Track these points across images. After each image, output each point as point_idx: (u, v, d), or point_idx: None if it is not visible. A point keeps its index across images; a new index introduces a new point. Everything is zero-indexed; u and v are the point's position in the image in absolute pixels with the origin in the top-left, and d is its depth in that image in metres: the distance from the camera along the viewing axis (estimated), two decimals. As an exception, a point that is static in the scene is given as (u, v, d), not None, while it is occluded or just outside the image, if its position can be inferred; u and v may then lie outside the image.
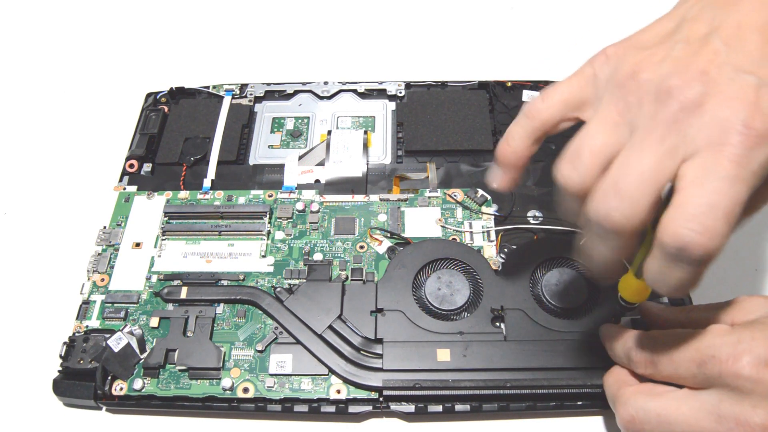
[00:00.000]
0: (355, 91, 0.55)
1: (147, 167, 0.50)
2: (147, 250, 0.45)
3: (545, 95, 0.31)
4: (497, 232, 0.45)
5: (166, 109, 0.54)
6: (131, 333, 0.40)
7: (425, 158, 0.50)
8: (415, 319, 0.40)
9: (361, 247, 0.44)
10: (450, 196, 0.47)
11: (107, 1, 0.67)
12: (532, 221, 0.46)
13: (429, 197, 0.47)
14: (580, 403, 0.38)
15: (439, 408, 0.38)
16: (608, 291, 0.40)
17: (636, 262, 0.31)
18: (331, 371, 0.39)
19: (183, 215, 0.46)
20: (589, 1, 0.64)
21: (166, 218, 0.46)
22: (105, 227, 0.46)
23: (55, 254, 0.47)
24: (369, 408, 0.38)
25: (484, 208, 0.46)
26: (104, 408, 0.40)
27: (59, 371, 0.40)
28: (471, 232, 0.45)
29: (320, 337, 0.40)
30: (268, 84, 0.55)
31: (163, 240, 0.45)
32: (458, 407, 0.38)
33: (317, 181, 0.49)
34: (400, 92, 0.55)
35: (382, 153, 0.51)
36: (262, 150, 0.52)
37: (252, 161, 0.51)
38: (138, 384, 0.39)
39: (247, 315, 0.41)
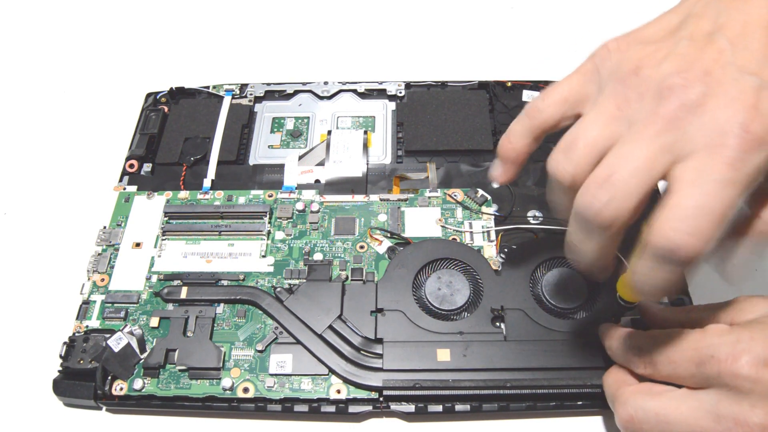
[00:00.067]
0: (355, 91, 0.55)
1: (147, 167, 0.50)
2: (147, 250, 0.45)
3: (545, 94, 0.31)
4: (497, 232, 0.45)
5: (166, 109, 0.54)
6: (131, 333, 0.40)
7: (425, 158, 0.50)
8: (415, 319, 0.40)
9: (361, 247, 0.44)
10: (450, 196, 0.47)
11: (107, 1, 0.67)
12: (532, 221, 0.46)
13: (429, 197, 0.47)
14: (580, 403, 0.38)
15: (439, 408, 0.38)
16: (608, 291, 0.40)
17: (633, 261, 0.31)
18: (331, 371, 0.39)
19: (183, 215, 0.46)
20: (589, 1, 0.64)
21: (166, 218, 0.46)
22: (105, 227, 0.46)
23: (55, 254, 0.47)
24: (369, 408, 0.38)
25: (484, 208, 0.46)
26: (104, 408, 0.40)
27: (59, 371, 0.40)
28: (471, 232, 0.45)
29: (320, 337, 0.40)
30: (268, 84, 0.55)
31: (163, 240, 0.45)
32: (458, 407, 0.38)
33: (317, 181, 0.49)
34: (400, 92, 0.55)
35: (382, 153, 0.51)
36: (262, 150, 0.52)
37: (252, 161, 0.51)
38: (138, 384, 0.39)
39: (247, 315, 0.41)
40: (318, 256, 0.44)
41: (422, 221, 0.45)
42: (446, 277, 0.42)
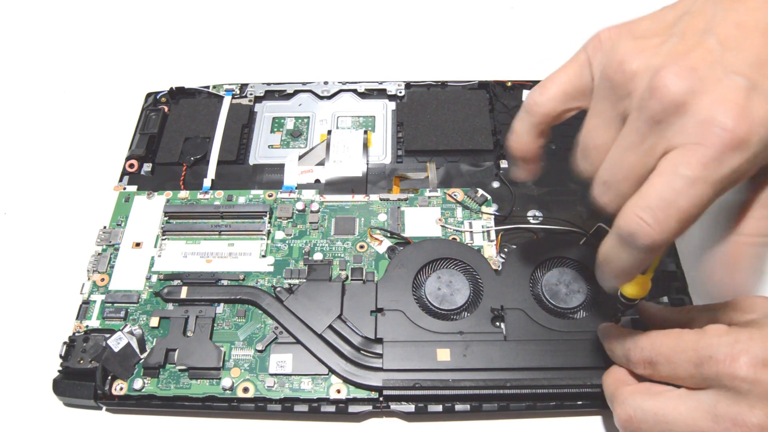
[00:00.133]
0: (355, 91, 0.55)
1: (147, 167, 0.50)
2: (147, 250, 0.45)
3: (543, 88, 0.31)
4: (497, 232, 0.45)
5: (166, 109, 0.54)
6: (131, 333, 0.40)
7: (425, 158, 0.50)
8: (415, 319, 0.40)
9: (361, 246, 0.44)
10: (450, 195, 0.47)
11: (107, 1, 0.67)
12: (532, 221, 0.46)
13: (429, 197, 0.47)
14: (579, 402, 0.38)
15: (439, 408, 0.38)
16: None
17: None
18: (331, 371, 0.39)
19: (183, 215, 0.46)
20: (589, 1, 0.64)
21: (166, 218, 0.46)
22: (105, 227, 0.46)
23: (55, 254, 0.47)
24: (369, 408, 0.38)
25: (484, 208, 0.46)
26: (104, 408, 0.40)
27: (59, 371, 0.40)
28: (471, 232, 0.45)
29: (320, 336, 0.40)
30: (268, 84, 0.55)
31: (163, 240, 0.45)
32: (458, 407, 0.38)
33: (317, 180, 0.49)
34: (400, 92, 0.55)
35: (382, 153, 0.51)
36: (262, 150, 0.52)
37: (252, 161, 0.51)
38: (138, 384, 0.39)
39: (247, 315, 0.41)
40: (318, 256, 0.44)
41: (422, 221, 0.45)
42: (446, 277, 0.42)
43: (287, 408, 0.38)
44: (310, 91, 0.55)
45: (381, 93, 0.55)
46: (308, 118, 0.53)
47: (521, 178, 0.35)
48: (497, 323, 0.40)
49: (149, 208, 0.47)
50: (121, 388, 0.39)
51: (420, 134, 0.51)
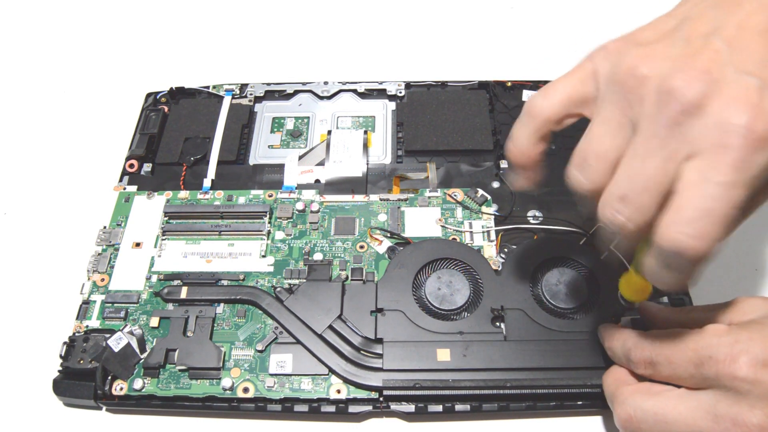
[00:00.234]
0: (355, 91, 0.55)
1: (147, 167, 0.50)
2: (147, 250, 0.45)
3: (546, 93, 0.30)
4: (497, 232, 0.45)
5: (166, 109, 0.54)
6: (131, 333, 0.40)
7: (425, 158, 0.50)
8: (415, 319, 0.40)
9: (361, 247, 0.44)
10: (450, 196, 0.47)
11: (107, 1, 0.67)
12: (532, 221, 0.46)
13: (429, 197, 0.47)
14: (579, 403, 0.38)
15: (439, 408, 0.38)
16: (608, 291, 0.40)
17: (636, 261, 0.31)
18: (331, 371, 0.39)
19: (183, 215, 0.46)
20: (589, 1, 0.64)
21: (166, 218, 0.46)
22: (105, 227, 0.46)
23: (55, 254, 0.47)
24: (369, 408, 0.38)
25: (484, 208, 0.46)
26: (104, 408, 0.40)
27: (59, 371, 0.40)
28: (471, 232, 0.45)
29: (320, 337, 0.40)
30: (268, 84, 0.55)
31: (163, 240, 0.45)
32: (458, 407, 0.38)
33: (317, 181, 0.49)
34: (400, 92, 0.55)
35: (382, 153, 0.51)
36: (262, 150, 0.52)
37: (252, 161, 0.51)
38: (138, 384, 0.39)
39: (247, 315, 0.41)
40: (318, 256, 0.44)
41: (422, 221, 0.45)
42: (446, 277, 0.42)
43: (287, 408, 0.38)
44: (310, 91, 0.55)
45: (381, 93, 0.55)
46: (308, 118, 0.53)
47: (519, 186, 0.33)
48: (497, 323, 0.40)
49: (149, 208, 0.47)
50: (121, 388, 0.39)
51: (420, 134, 0.51)
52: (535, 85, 0.54)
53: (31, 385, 0.41)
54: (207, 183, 0.49)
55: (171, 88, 0.55)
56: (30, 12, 0.66)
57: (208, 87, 0.55)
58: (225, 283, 0.43)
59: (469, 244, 0.44)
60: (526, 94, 0.54)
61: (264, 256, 0.44)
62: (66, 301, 0.43)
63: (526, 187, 0.33)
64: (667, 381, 0.31)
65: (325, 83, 0.55)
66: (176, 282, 0.43)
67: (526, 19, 0.64)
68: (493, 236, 0.45)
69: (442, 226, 0.45)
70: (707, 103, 0.25)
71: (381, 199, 0.47)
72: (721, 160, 0.24)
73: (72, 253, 0.46)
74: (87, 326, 0.41)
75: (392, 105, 0.54)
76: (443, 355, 0.38)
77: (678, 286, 0.27)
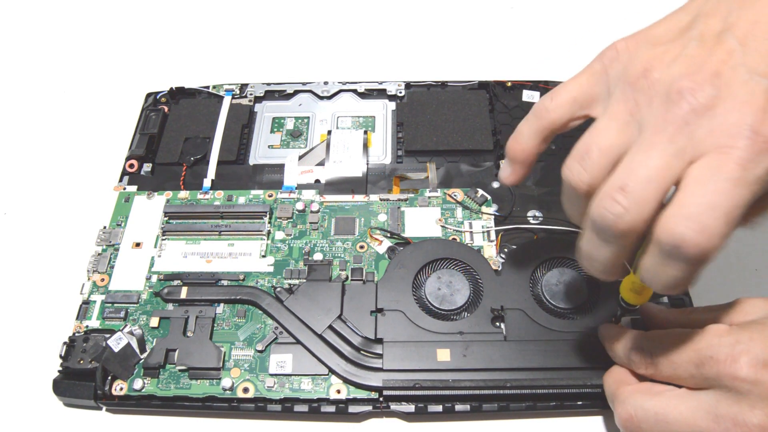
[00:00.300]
0: (355, 91, 0.55)
1: (147, 167, 0.50)
2: (147, 250, 0.45)
3: (554, 94, 0.31)
4: (497, 232, 0.45)
5: (166, 109, 0.54)
6: (131, 333, 0.40)
7: (425, 158, 0.50)
8: (415, 319, 0.40)
9: (361, 247, 0.44)
10: (450, 196, 0.47)
11: (107, 1, 0.67)
12: (532, 221, 0.46)
13: (429, 197, 0.47)
14: (580, 403, 0.38)
15: (439, 408, 0.38)
16: (608, 291, 0.40)
17: (637, 264, 0.31)
18: (331, 371, 0.39)
19: (183, 215, 0.46)
20: (589, 2, 0.64)
21: (166, 218, 0.46)
22: (105, 227, 0.46)
23: (55, 254, 0.47)
24: (369, 408, 0.38)
25: (484, 208, 0.46)
26: (104, 408, 0.40)
27: (59, 371, 0.40)
28: (471, 232, 0.45)
29: (320, 337, 0.40)
30: (268, 84, 0.55)
31: (163, 240, 0.45)
32: (458, 407, 0.38)
33: (317, 181, 0.49)
34: (400, 92, 0.55)
35: (382, 153, 0.51)
36: (262, 150, 0.52)
37: (252, 161, 0.51)
38: (138, 384, 0.39)
39: (247, 315, 0.41)
40: (318, 256, 0.44)
41: (422, 221, 0.45)
42: (446, 277, 0.42)
43: (287, 408, 0.38)
44: (310, 91, 0.55)
45: (381, 93, 0.55)
46: (308, 118, 0.53)
47: (507, 180, 0.34)
48: (497, 323, 0.40)
49: (149, 208, 0.47)
50: (121, 389, 0.39)
51: (420, 134, 0.51)
52: (535, 85, 0.54)
53: (31, 385, 0.41)
54: (207, 183, 0.49)
55: (171, 88, 0.55)
56: (30, 12, 0.66)
57: (208, 87, 0.55)
58: (225, 283, 0.43)
59: (469, 244, 0.44)
60: (526, 94, 0.54)
61: (264, 256, 0.44)
62: (66, 301, 0.43)
63: (512, 183, 0.34)
64: (668, 381, 0.31)
65: (325, 83, 0.55)
66: (176, 282, 0.43)
67: (526, 19, 0.64)
68: (493, 236, 0.45)
69: (442, 226, 0.45)
70: (716, 104, 0.25)
71: (381, 199, 0.47)
72: (728, 159, 0.24)
73: (72, 253, 0.46)
74: (87, 326, 0.41)
75: (392, 105, 0.54)
76: (443, 355, 0.38)
77: (675, 288, 0.27)
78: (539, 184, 0.48)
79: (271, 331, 0.40)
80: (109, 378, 0.39)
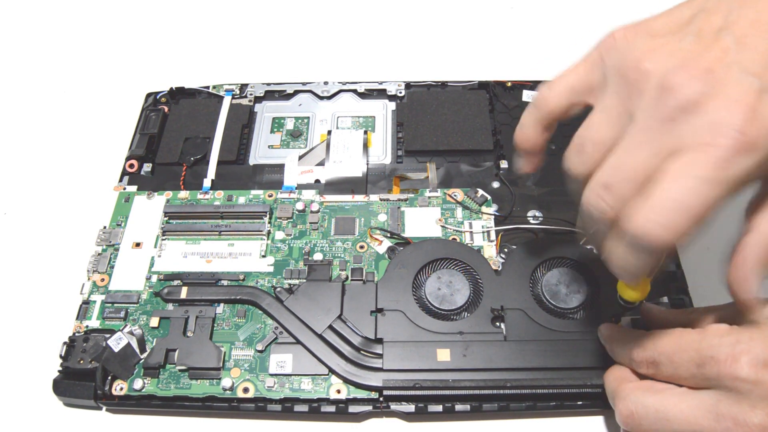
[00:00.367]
0: (355, 91, 0.55)
1: (147, 167, 0.50)
2: (147, 250, 0.45)
3: (552, 83, 0.31)
4: (497, 232, 0.45)
5: (166, 109, 0.54)
6: (131, 333, 0.40)
7: (425, 158, 0.50)
8: (415, 319, 0.40)
9: (361, 247, 0.44)
10: (450, 196, 0.47)
11: (107, 1, 0.67)
12: (532, 221, 0.46)
13: (429, 197, 0.47)
14: (580, 403, 0.38)
15: (439, 408, 0.38)
16: (608, 291, 0.40)
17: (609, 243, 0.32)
18: (331, 371, 0.39)
19: (183, 215, 0.46)
20: (589, 2, 0.64)
21: (166, 218, 0.46)
22: (105, 227, 0.46)
23: (55, 254, 0.47)
24: (369, 408, 0.38)
25: (484, 208, 0.46)
26: (104, 408, 0.40)
27: (59, 371, 0.40)
28: (471, 232, 0.45)
29: (320, 337, 0.40)
30: (268, 84, 0.55)
31: (163, 240, 0.45)
32: (458, 407, 0.38)
33: (317, 181, 0.49)
34: (400, 92, 0.55)
35: (382, 153, 0.51)
36: (262, 150, 0.52)
37: (252, 161, 0.51)
38: (138, 384, 0.39)
39: (247, 315, 0.41)
40: (318, 256, 0.44)
41: (422, 221, 0.45)
42: (446, 277, 0.42)
43: (287, 408, 0.38)
44: (310, 91, 0.55)
45: (381, 93, 0.55)
46: (308, 118, 0.53)
47: (523, 170, 0.35)
48: (497, 323, 0.40)
49: (149, 208, 0.47)
50: (121, 388, 0.39)
51: (420, 134, 0.51)
52: (535, 85, 0.54)
53: (31, 385, 0.41)
54: (207, 183, 0.49)
55: (171, 88, 0.55)
56: (30, 12, 0.66)
57: (208, 87, 0.55)
58: (225, 283, 0.43)
59: (469, 244, 0.44)
60: (526, 94, 0.54)
61: (264, 256, 0.44)
62: (66, 301, 0.43)
63: (528, 171, 0.35)
64: (668, 380, 0.31)
65: (325, 83, 0.55)
66: (176, 282, 0.43)
67: (526, 19, 0.64)
68: (493, 236, 0.45)
69: (442, 226, 0.45)
70: (705, 102, 0.25)
71: (381, 199, 0.47)
72: (704, 157, 0.24)
73: (72, 253, 0.46)
74: (87, 326, 0.41)
75: (392, 105, 0.54)
76: (443, 355, 0.38)
77: (636, 276, 0.28)
78: (539, 184, 0.48)
79: (271, 331, 0.40)
80: (109, 378, 0.39)
